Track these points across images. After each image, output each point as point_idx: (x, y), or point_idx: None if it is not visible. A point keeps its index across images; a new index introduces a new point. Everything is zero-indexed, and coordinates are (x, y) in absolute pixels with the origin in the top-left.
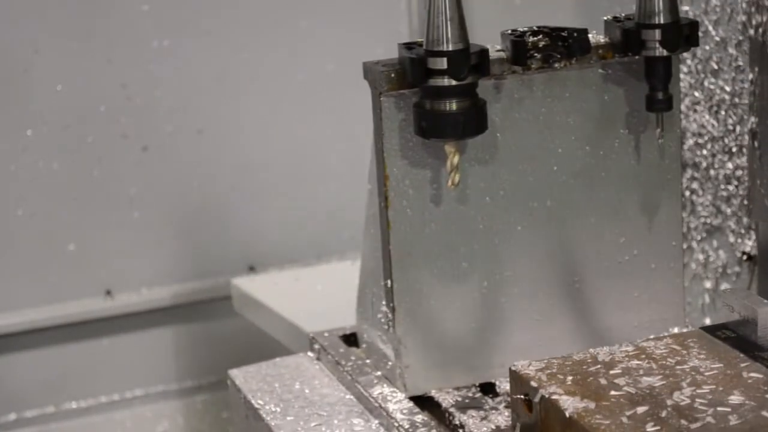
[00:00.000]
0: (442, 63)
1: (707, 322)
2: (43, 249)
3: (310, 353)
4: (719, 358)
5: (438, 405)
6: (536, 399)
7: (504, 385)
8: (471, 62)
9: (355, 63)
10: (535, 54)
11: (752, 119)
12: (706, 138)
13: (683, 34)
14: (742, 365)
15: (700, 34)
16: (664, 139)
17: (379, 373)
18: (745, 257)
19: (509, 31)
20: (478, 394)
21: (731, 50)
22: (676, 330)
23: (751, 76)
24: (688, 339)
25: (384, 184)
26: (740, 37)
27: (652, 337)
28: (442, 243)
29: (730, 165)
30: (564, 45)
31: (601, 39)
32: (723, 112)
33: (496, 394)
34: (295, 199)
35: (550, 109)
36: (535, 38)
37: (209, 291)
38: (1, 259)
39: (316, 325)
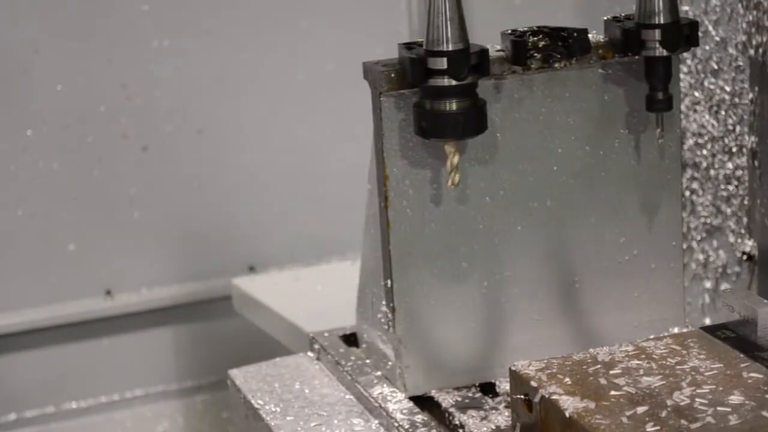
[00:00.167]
0: (442, 63)
1: (707, 322)
2: (43, 249)
3: (310, 353)
4: (719, 358)
5: (438, 405)
6: (536, 399)
7: (504, 385)
8: (471, 62)
9: (355, 63)
10: (535, 54)
11: (752, 139)
12: (706, 138)
13: (683, 34)
14: (742, 365)
15: (700, 34)
16: (664, 139)
17: (379, 373)
18: (745, 257)
19: (509, 31)
20: (478, 394)
21: (731, 50)
22: (676, 330)
23: (751, 95)
24: (688, 339)
25: (384, 184)
26: (740, 37)
27: (652, 337)
28: (442, 243)
29: (730, 165)
30: (564, 45)
31: (601, 39)
32: (723, 112)
33: (496, 394)
34: (295, 199)
35: (550, 109)
36: (535, 38)
37: (209, 291)
38: (1, 259)
39: (316, 325)
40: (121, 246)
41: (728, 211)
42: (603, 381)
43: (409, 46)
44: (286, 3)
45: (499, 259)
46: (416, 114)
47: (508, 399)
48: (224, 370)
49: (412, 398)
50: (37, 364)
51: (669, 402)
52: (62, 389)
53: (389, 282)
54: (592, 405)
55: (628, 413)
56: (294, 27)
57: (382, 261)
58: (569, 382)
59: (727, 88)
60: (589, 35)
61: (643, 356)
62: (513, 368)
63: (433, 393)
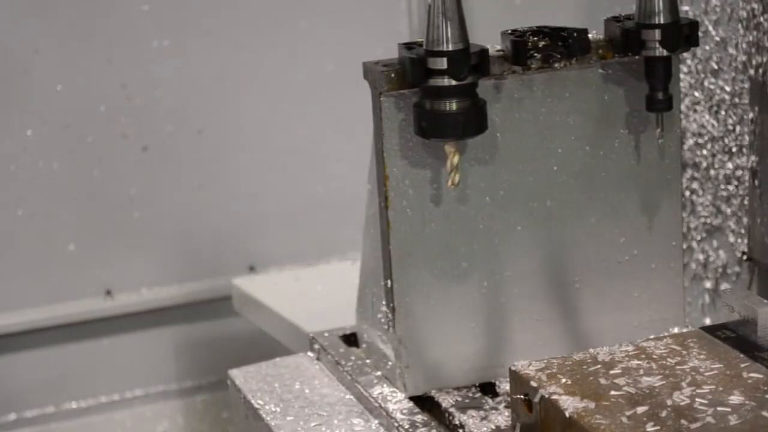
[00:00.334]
0: (442, 63)
1: (707, 322)
2: (43, 249)
3: (310, 353)
4: (719, 358)
5: (438, 405)
6: (536, 399)
7: (504, 385)
8: (471, 62)
9: (355, 63)
10: (535, 54)
11: (752, 158)
12: (706, 138)
13: (683, 34)
14: (742, 365)
15: (700, 34)
16: (664, 139)
17: (379, 373)
18: (745, 257)
19: (509, 31)
20: (478, 394)
21: (731, 50)
22: (676, 330)
23: (751, 115)
24: (688, 339)
25: (384, 184)
26: (740, 37)
27: (652, 337)
28: (442, 243)
29: (730, 165)
30: (564, 45)
31: (601, 39)
32: (723, 112)
33: (496, 394)
34: (295, 199)
35: (550, 109)
36: (535, 38)
37: (209, 291)
38: (1, 259)
39: (316, 325)
40: (121, 246)
41: (728, 211)
42: (603, 381)
43: (409, 46)
44: (286, 3)
45: (499, 259)
46: (416, 114)
47: (508, 399)
48: (224, 370)
49: (412, 398)
50: (37, 364)
51: (669, 402)
52: (62, 389)
53: (389, 282)
54: (592, 405)
55: (628, 413)
56: (294, 27)
57: (382, 261)
58: (569, 382)
59: (727, 88)
60: (589, 35)
61: (643, 356)
62: (513, 368)
63: (433, 393)
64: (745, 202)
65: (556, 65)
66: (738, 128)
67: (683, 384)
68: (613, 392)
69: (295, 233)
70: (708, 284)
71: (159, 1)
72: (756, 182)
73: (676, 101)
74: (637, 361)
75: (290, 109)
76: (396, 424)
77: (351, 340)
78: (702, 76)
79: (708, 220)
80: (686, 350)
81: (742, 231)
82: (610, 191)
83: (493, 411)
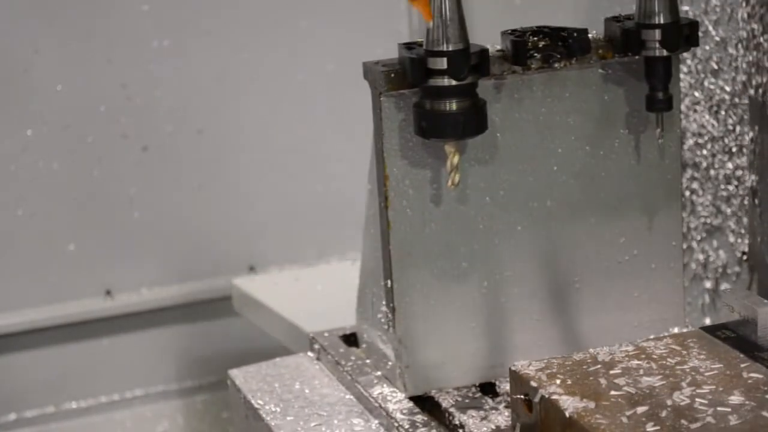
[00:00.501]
0: (442, 63)
1: (707, 322)
2: (43, 249)
3: (310, 353)
4: (719, 358)
5: (438, 405)
6: (536, 399)
7: (504, 385)
8: (471, 62)
9: (355, 63)
10: (535, 54)
11: (752, 177)
12: (706, 138)
13: (683, 34)
14: (742, 365)
15: (700, 34)
16: (664, 139)
17: (379, 373)
18: (745, 257)
19: (509, 31)
20: (478, 394)
21: (731, 50)
22: (676, 330)
23: (751, 134)
24: (688, 339)
25: (384, 184)
26: (740, 37)
27: (652, 337)
28: (442, 243)
29: (730, 165)
30: (564, 45)
31: (601, 39)
32: (723, 112)
33: (496, 394)
34: (295, 199)
35: (550, 109)
36: (535, 38)
37: (209, 291)
38: (1, 259)
39: (316, 325)
40: (121, 246)
41: (728, 211)
42: (603, 381)
43: (409, 46)
44: (286, 3)
45: (499, 259)
46: (416, 114)
47: (508, 399)
48: (224, 370)
49: (412, 398)
50: (37, 364)
51: (669, 402)
52: (62, 389)
53: (389, 282)
54: (592, 405)
55: (628, 413)
56: (294, 27)
57: (382, 261)
58: (569, 382)
59: (727, 88)
60: (589, 35)
61: (643, 356)
62: (513, 368)
63: (433, 393)
64: (745, 202)
65: (556, 65)
66: (738, 128)
67: (683, 384)
68: (613, 392)
69: (295, 233)
70: (708, 284)
71: (159, 1)
72: (756, 201)
73: (676, 101)
74: (637, 361)
75: (290, 109)
76: (396, 424)
77: (351, 340)
78: (702, 76)
79: (708, 220)
80: (686, 350)
81: (742, 231)
82: (610, 191)
83: (493, 411)
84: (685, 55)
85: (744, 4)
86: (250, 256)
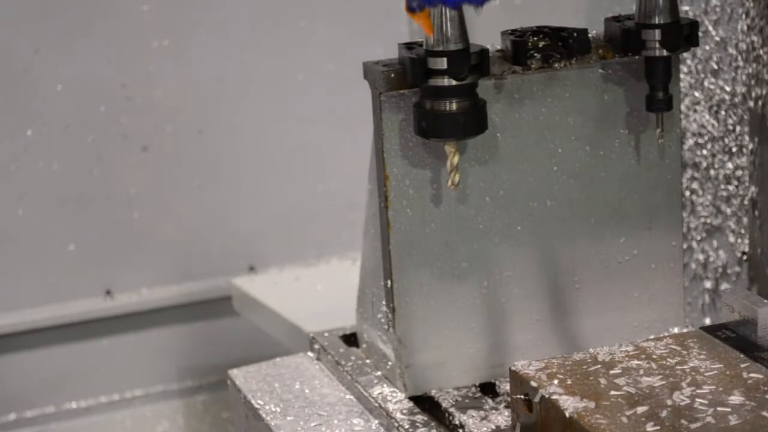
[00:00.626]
0: (442, 63)
1: (707, 322)
2: (43, 249)
3: (310, 353)
4: (719, 358)
5: (438, 405)
6: (536, 399)
7: (504, 385)
8: (471, 62)
9: (355, 63)
10: (535, 54)
11: (752, 189)
12: (706, 138)
13: (683, 34)
14: (742, 365)
15: (700, 34)
16: (664, 139)
17: (379, 373)
18: (745, 257)
19: (509, 31)
20: (478, 394)
21: (731, 50)
22: (676, 330)
23: (751, 146)
24: (688, 339)
25: (384, 184)
26: (740, 37)
27: (652, 337)
28: (442, 243)
29: (730, 165)
30: (564, 45)
31: (601, 39)
32: (723, 112)
33: (496, 394)
34: (295, 199)
35: (550, 109)
36: (535, 38)
37: (209, 291)
38: (1, 259)
39: (316, 325)
40: (121, 246)
41: (728, 211)
42: (603, 381)
43: (409, 46)
44: (286, 3)
45: (499, 259)
46: (416, 114)
47: (508, 399)
48: (224, 370)
49: (412, 398)
50: (37, 364)
51: (669, 402)
52: (62, 389)
53: (389, 282)
54: (592, 405)
55: (628, 413)
56: (294, 27)
57: (382, 261)
58: (569, 382)
59: (727, 88)
60: (589, 35)
61: (643, 356)
62: (513, 368)
63: (433, 393)
64: (745, 202)
65: (556, 65)
66: (738, 128)
67: (683, 384)
68: (613, 392)
69: (295, 233)
70: (708, 284)
71: (159, 1)
72: (756, 213)
73: (676, 101)
74: (637, 361)
75: (290, 109)
76: (396, 424)
77: (351, 340)
78: (702, 76)
79: (708, 220)
80: (686, 350)
81: (742, 231)
82: (610, 191)
83: (493, 411)
84: (685, 55)
85: (744, 17)
86: (250, 256)
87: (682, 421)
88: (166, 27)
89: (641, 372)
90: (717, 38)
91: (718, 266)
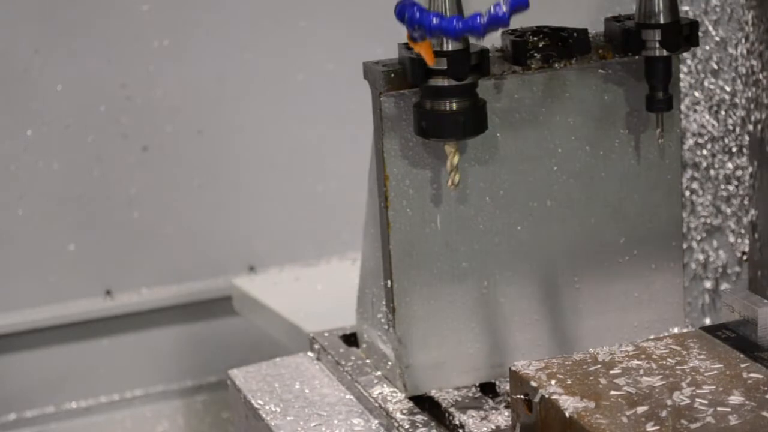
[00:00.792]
0: (443, 63)
1: (707, 322)
2: (43, 249)
3: (310, 353)
4: (719, 359)
5: (438, 405)
6: (536, 399)
7: (504, 385)
8: (471, 62)
9: (355, 63)
10: (535, 54)
11: (752, 212)
12: (706, 138)
13: (683, 34)
14: (742, 365)
15: (700, 34)
16: (664, 139)
17: (379, 373)
18: (745, 257)
19: (509, 31)
20: (478, 394)
21: (731, 50)
22: (676, 330)
23: (750, 169)
24: (688, 339)
25: (384, 184)
26: (740, 37)
27: (652, 337)
28: (442, 243)
29: (730, 165)
30: (564, 45)
31: (601, 39)
32: (723, 112)
33: (496, 394)
34: (295, 199)
35: (550, 109)
36: (535, 38)
37: (209, 291)
38: (1, 259)
39: (316, 325)
40: (121, 246)
41: (728, 211)
42: (603, 381)
43: (409, 46)
44: (286, 3)
45: (499, 259)
46: (416, 114)
47: (508, 399)
48: (224, 370)
49: (412, 398)
50: (37, 364)
51: (669, 402)
52: (62, 389)
53: (389, 282)
54: (592, 405)
55: (628, 413)
56: (294, 27)
57: (382, 261)
58: (569, 382)
59: (727, 88)
60: (589, 35)
61: (643, 356)
62: (513, 368)
63: (433, 393)
64: (745, 202)
65: (556, 65)
66: (738, 128)
67: (683, 384)
68: (613, 392)
69: (295, 233)
70: (708, 284)
71: (159, 1)
72: (756, 236)
73: (676, 101)
74: (637, 361)
75: (290, 109)
76: (396, 424)
77: (351, 340)
78: (702, 76)
79: (708, 220)
80: (686, 350)
81: (742, 231)
82: (610, 191)
83: (493, 411)
84: (685, 55)
85: (744, 41)
86: (250, 256)
87: (682, 421)
88: (166, 27)
89: (641, 372)
90: (717, 38)
91: (718, 266)
